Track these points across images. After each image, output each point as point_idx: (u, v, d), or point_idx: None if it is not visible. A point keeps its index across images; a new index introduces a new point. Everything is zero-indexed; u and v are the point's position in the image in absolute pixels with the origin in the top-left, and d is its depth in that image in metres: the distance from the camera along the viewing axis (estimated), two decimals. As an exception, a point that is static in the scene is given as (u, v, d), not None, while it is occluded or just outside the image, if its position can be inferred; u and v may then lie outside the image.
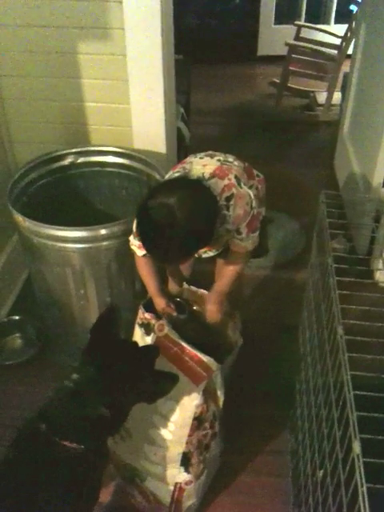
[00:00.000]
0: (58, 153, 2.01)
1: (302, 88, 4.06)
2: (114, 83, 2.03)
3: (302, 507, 1.42)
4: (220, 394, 1.45)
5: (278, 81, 4.01)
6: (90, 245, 1.69)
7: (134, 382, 1.25)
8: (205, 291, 1.65)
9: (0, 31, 1.98)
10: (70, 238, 1.67)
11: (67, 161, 2.03)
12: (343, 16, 4.47)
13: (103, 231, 1.67)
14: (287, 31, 4.21)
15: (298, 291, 1.95)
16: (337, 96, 3.82)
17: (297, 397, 1.69)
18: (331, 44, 3.76)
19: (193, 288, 1.67)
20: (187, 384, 1.39)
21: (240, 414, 1.84)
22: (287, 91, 4.02)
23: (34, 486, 1.13)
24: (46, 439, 1.15)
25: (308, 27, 4.02)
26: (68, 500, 1.18)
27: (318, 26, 4.13)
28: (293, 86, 4.00)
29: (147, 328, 1.51)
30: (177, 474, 1.49)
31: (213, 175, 1.44)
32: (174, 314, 1.58)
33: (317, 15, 4.70)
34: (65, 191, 2.05)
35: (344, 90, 3.36)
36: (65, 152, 2.02)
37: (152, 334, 1.49)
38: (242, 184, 1.48)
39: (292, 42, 3.83)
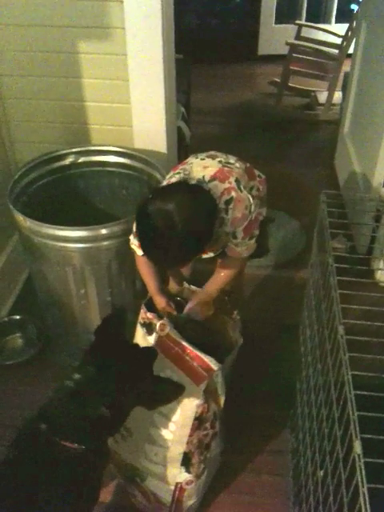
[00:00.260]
0: (59, 152, 2.01)
1: (302, 87, 4.06)
2: (114, 83, 2.03)
3: (302, 506, 1.42)
4: (221, 393, 1.45)
5: (278, 80, 4.01)
6: (91, 244, 1.69)
7: (134, 382, 1.25)
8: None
9: (0, 30, 1.98)
10: (71, 237, 1.67)
11: (68, 160, 2.03)
12: (344, 15, 4.47)
13: (104, 231, 1.67)
14: (288, 30, 4.22)
15: (298, 291, 1.95)
16: (337, 95, 3.82)
17: (297, 396, 1.69)
18: (332, 43, 3.76)
19: (193, 287, 1.67)
20: (188, 384, 1.39)
21: (240, 414, 1.84)
22: (288, 91, 4.02)
23: (34, 486, 1.13)
24: (47, 439, 1.15)
25: (309, 26, 4.02)
26: (68, 500, 1.18)
27: (319, 26, 4.14)
28: (293, 85, 3.99)
29: (149, 328, 1.51)
30: (177, 474, 1.49)
31: (213, 178, 1.43)
32: (174, 313, 1.58)
33: (317, 14, 4.70)
34: (65, 191, 2.05)
35: (345, 89, 3.36)
36: (65, 152, 2.02)
37: (154, 334, 1.49)
38: (242, 187, 1.47)
39: (293, 41, 3.83)
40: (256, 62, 4.65)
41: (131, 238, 1.55)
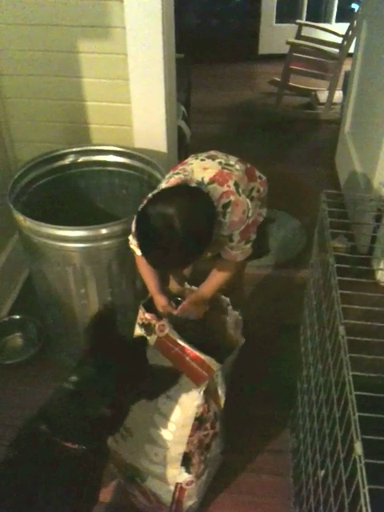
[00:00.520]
0: (59, 152, 2.01)
1: (303, 87, 4.06)
2: (114, 82, 2.03)
3: (302, 506, 1.42)
4: (221, 393, 1.45)
5: (278, 79, 4.01)
6: (91, 244, 1.69)
7: (135, 381, 1.25)
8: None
9: (1, 30, 1.98)
10: (71, 237, 1.67)
11: (68, 160, 2.03)
12: (344, 14, 4.47)
13: (104, 230, 1.67)
14: (288, 30, 4.21)
15: (298, 290, 1.95)
16: (338, 95, 3.82)
17: (298, 396, 1.69)
18: (332, 43, 3.76)
19: (194, 287, 1.67)
20: (188, 384, 1.39)
21: (241, 414, 1.84)
22: (288, 90, 4.01)
23: (34, 486, 1.13)
24: (47, 439, 1.15)
25: (309, 26, 4.02)
26: (68, 500, 1.18)
27: (320, 25, 4.13)
28: (294, 84, 3.99)
29: (148, 328, 1.51)
30: (178, 474, 1.49)
31: (212, 180, 1.43)
32: (175, 312, 1.58)
33: (318, 14, 4.70)
34: (65, 190, 2.05)
35: (345, 88, 3.36)
36: (65, 151, 2.02)
37: (153, 335, 1.49)
38: (241, 191, 1.47)
39: (293, 40, 3.83)
40: (256, 61, 4.65)
41: (130, 237, 1.55)
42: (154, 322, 1.50)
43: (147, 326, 1.51)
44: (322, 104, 3.90)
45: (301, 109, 4.01)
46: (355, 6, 4.57)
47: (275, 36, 4.48)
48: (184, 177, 1.45)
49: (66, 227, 1.65)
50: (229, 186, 1.44)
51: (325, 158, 3.37)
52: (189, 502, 1.56)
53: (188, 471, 1.49)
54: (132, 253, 1.58)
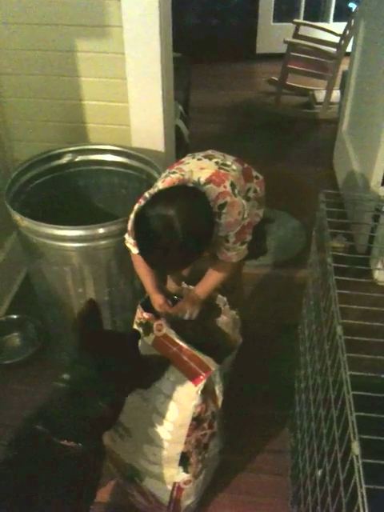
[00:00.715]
0: (57, 151, 2.01)
1: (301, 86, 4.06)
2: (112, 81, 2.03)
3: (300, 506, 1.42)
4: (219, 393, 1.44)
5: (276, 79, 4.01)
6: (89, 244, 1.69)
7: (131, 376, 1.25)
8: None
9: (-2, 29, 1.98)
10: (69, 236, 1.66)
11: (66, 159, 2.03)
12: (342, 14, 4.48)
13: (102, 230, 1.66)
14: (286, 29, 4.21)
15: (298, 290, 1.95)
16: (336, 94, 3.82)
17: (296, 395, 1.69)
18: (330, 42, 3.76)
19: (192, 287, 1.67)
20: (186, 384, 1.39)
21: (240, 414, 1.84)
22: (286, 89, 4.01)
23: (34, 486, 1.13)
24: (46, 439, 1.15)
25: (307, 25, 4.02)
26: (68, 500, 1.18)
27: (317, 24, 4.14)
28: (292, 83, 3.99)
29: (146, 328, 1.50)
30: (175, 474, 1.49)
31: (209, 181, 1.42)
32: (170, 311, 1.58)
33: (316, 13, 4.70)
34: (63, 190, 2.05)
35: (343, 88, 3.36)
36: (63, 150, 2.02)
37: (151, 334, 1.49)
38: (237, 192, 1.46)
39: (291, 39, 3.83)
40: (254, 60, 4.65)
41: (126, 236, 1.54)
42: (151, 321, 1.50)
43: (145, 325, 1.51)
44: (320, 103, 3.90)
45: (299, 108, 4.01)
46: (353, 5, 4.57)
47: (273, 35, 4.49)
48: (181, 176, 1.44)
49: (63, 226, 1.65)
50: (225, 187, 1.43)
51: (323, 157, 3.37)
52: (187, 502, 1.56)
53: (186, 471, 1.49)
54: (129, 251, 1.58)
